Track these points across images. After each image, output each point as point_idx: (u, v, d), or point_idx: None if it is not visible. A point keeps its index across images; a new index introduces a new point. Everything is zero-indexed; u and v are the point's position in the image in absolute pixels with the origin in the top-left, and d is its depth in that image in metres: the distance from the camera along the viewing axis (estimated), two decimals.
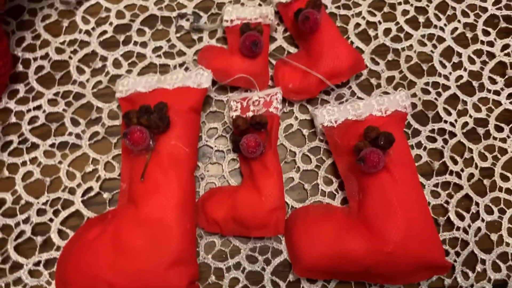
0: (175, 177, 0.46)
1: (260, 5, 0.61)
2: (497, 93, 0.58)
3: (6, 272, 0.47)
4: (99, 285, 0.43)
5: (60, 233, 0.49)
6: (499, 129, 0.57)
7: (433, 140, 0.55)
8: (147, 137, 0.46)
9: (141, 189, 0.46)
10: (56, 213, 0.50)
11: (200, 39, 0.59)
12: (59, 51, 0.57)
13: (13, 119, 0.53)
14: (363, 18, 0.61)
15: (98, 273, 0.43)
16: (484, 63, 0.60)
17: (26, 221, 0.49)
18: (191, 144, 0.49)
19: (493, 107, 0.58)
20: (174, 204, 0.45)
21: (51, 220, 0.49)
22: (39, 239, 0.48)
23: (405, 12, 0.62)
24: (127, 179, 0.49)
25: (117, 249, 0.44)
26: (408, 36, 0.61)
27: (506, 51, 0.60)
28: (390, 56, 0.59)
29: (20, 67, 0.55)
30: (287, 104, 0.56)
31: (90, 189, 0.51)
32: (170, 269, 0.43)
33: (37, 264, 0.48)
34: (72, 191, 0.51)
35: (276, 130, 0.51)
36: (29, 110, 0.53)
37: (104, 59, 0.57)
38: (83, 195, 0.51)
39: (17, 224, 0.49)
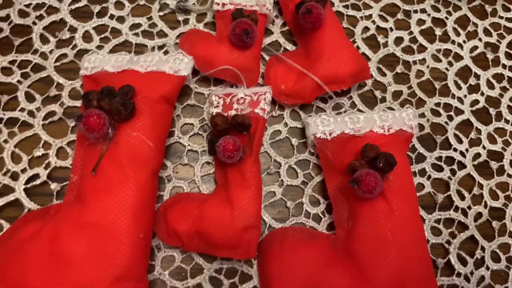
0: (133, 176, 0.39)
1: None
2: None
3: None
4: None
5: None
6: None
7: (440, 169, 0.49)
8: (106, 124, 0.39)
9: (91, 185, 0.39)
10: None
11: (186, 21, 0.52)
12: (22, 14, 0.50)
13: None
14: (373, 22, 0.55)
15: (28, 280, 0.36)
16: (504, 89, 0.54)
17: None
18: (157, 139, 0.42)
19: (510, 140, 0.51)
20: (128, 208, 0.38)
21: None
22: None
23: (420, 22, 0.56)
24: (78, 170, 0.42)
25: (53, 255, 0.37)
26: (422, 48, 0.54)
27: None
28: (399, 68, 0.53)
29: None
30: (277, 108, 0.49)
31: (36, 176, 0.44)
32: (113, 285, 0.36)
33: None
34: (14, 176, 0.43)
35: (260, 135, 0.44)
36: None
37: (73, 30, 0.50)
38: (27, 182, 0.43)
39: None
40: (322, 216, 0.46)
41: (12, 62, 0.47)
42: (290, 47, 0.52)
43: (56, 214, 0.40)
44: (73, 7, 0.51)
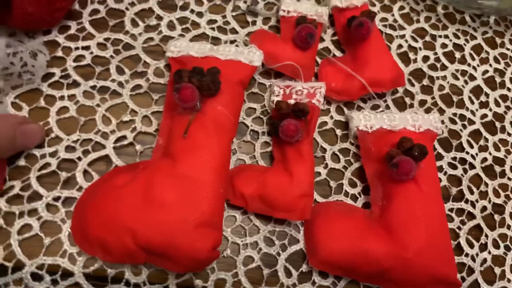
0: (217, 141, 0.46)
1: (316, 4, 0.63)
2: None
3: (24, 200, 0.45)
4: (120, 230, 0.42)
5: (85, 174, 0.47)
6: None
7: (454, 167, 0.57)
8: (197, 97, 0.46)
9: (182, 146, 0.46)
10: (85, 153, 0.48)
11: (254, 23, 0.60)
12: (117, 0, 0.57)
13: (59, 53, 0.52)
14: (406, 41, 0.64)
15: (122, 218, 0.42)
16: (508, 108, 0.63)
17: (53, 154, 0.47)
18: (235, 114, 0.49)
19: (511, 150, 0.61)
20: (212, 166, 0.45)
21: (79, 158, 0.48)
22: (63, 175, 0.46)
23: (444, 45, 0.65)
24: (165, 134, 0.48)
25: (147, 198, 0.43)
26: (444, 67, 0.64)
27: None
28: (425, 81, 0.62)
29: (76, 6, 0.54)
30: (325, 103, 0.57)
31: (123, 137, 0.50)
32: (197, 229, 0.42)
33: (57, 199, 0.46)
34: (105, 136, 0.49)
35: (315, 122, 0.52)
36: (77, 48, 0.52)
37: (159, 18, 0.57)
38: (115, 142, 0.49)
39: (43, 156, 0.47)
40: (359, 196, 0.53)
41: (106, 39, 0.54)
42: (338, 53, 0.61)
43: (147, 168, 0.46)
44: None
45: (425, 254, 0.46)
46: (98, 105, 0.51)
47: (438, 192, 0.51)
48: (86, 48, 0.53)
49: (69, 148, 0.48)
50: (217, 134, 0.46)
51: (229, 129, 0.48)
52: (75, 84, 0.51)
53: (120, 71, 0.53)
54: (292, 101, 0.53)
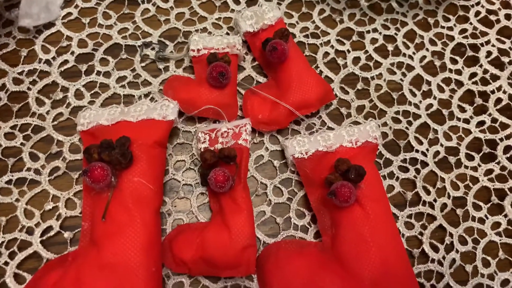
0: (139, 217, 0.44)
1: (227, 33, 0.60)
2: (466, 121, 0.58)
3: None
4: None
5: (17, 277, 0.46)
6: (470, 157, 0.56)
7: (405, 170, 0.55)
8: (109, 174, 0.44)
9: (103, 230, 0.44)
10: (12, 255, 0.46)
11: (166, 69, 0.57)
12: (17, 81, 0.54)
13: None
14: (332, 47, 0.61)
15: None
16: (453, 91, 0.60)
17: None
18: (156, 180, 0.47)
19: (463, 136, 0.58)
20: (138, 246, 0.43)
21: (6, 263, 0.46)
22: None
23: (373, 41, 0.62)
24: (88, 218, 0.46)
25: None
26: (377, 64, 0.61)
27: (473, 80, 0.61)
28: (359, 85, 0.59)
29: None
30: (257, 135, 0.55)
31: (49, 228, 0.48)
32: None
33: None
34: (30, 231, 0.48)
35: (245, 163, 0.50)
36: None
37: (65, 90, 0.54)
38: (42, 235, 0.48)
39: None
40: (309, 227, 0.51)
41: (13, 127, 0.52)
42: (261, 79, 0.58)
43: (75, 260, 0.44)
44: (62, 68, 0.55)
45: (382, 282, 0.44)
46: (17, 200, 0.49)
47: (386, 209, 0.48)
48: None
49: None
50: (138, 209, 0.44)
51: (150, 199, 0.45)
52: None
53: (34, 157, 0.51)
54: (219, 146, 0.50)
